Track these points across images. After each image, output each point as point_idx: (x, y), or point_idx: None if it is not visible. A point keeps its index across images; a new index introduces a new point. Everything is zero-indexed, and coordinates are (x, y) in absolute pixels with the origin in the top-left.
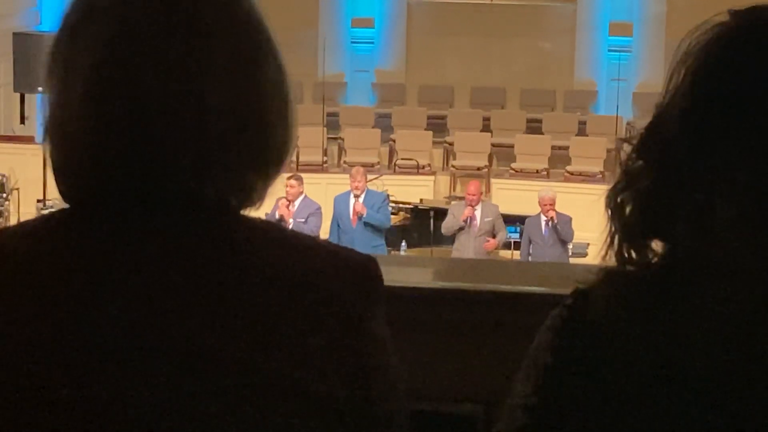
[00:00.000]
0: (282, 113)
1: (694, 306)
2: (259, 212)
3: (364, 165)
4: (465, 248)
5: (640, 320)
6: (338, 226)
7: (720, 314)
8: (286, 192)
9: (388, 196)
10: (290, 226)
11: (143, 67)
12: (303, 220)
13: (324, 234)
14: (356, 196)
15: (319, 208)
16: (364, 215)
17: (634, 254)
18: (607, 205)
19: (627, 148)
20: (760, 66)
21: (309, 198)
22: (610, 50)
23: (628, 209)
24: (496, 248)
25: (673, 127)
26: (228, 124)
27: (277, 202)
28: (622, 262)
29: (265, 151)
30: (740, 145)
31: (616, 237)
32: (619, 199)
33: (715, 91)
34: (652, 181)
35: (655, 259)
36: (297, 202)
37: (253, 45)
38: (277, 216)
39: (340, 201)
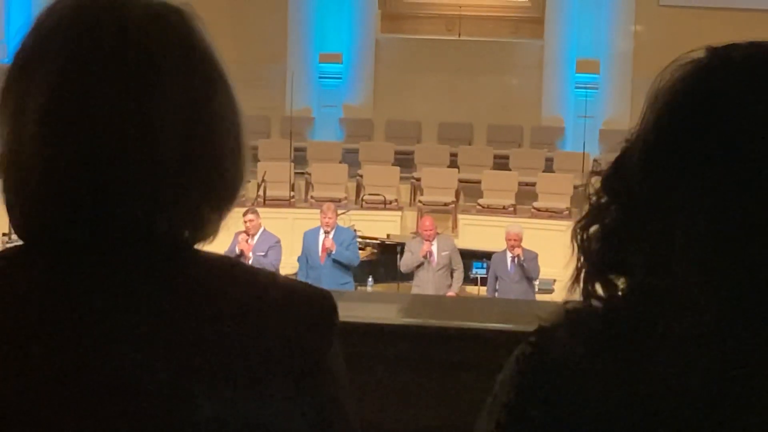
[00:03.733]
0: (234, 148)
1: (653, 343)
2: (217, 247)
3: (331, 200)
4: (425, 284)
5: (601, 358)
6: (307, 261)
7: (678, 351)
8: (246, 227)
9: (356, 233)
10: (250, 260)
11: (95, 104)
12: (263, 253)
13: (286, 269)
14: (326, 232)
15: (279, 241)
16: (334, 252)
17: (599, 290)
18: (573, 239)
19: (595, 181)
20: (727, 105)
21: (268, 231)
22: (577, 87)
23: (593, 245)
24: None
25: (637, 162)
26: (181, 160)
27: (236, 237)
28: (588, 298)
29: (217, 186)
30: (700, 184)
31: (582, 272)
32: (584, 234)
33: (679, 128)
34: (616, 217)
35: (619, 294)
36: (256, 236)
37: (205, 81)
38: (237, 250)
39: (310, 236)
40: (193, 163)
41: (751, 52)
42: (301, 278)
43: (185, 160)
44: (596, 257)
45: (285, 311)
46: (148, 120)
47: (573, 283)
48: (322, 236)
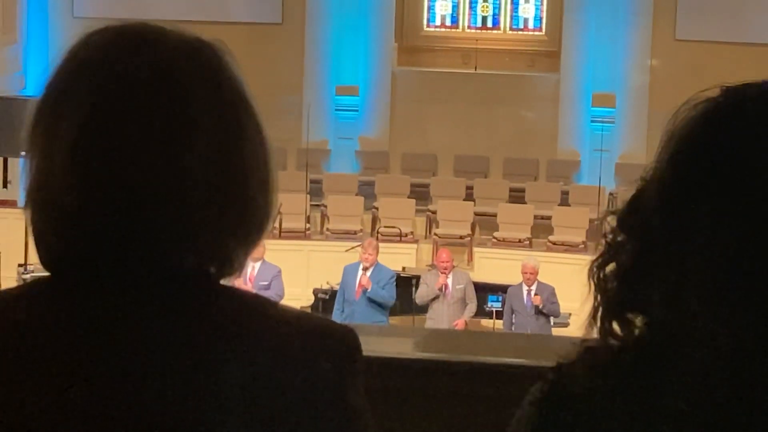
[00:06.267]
0: (263, 183)
1: (672, 381)
2: None
3: (346, 232)
4: (439, 316)
5: (619, 396)
6: (344, 296)
7: (696, 388)
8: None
9: (395, 274)
10: (253, 290)
11: (125, 137)
12: (266, 283)
13: (301, 301)
14: (365, 269)
15: (280, 271)
16: (369, 290)
17: (616, 328)
18: (590, 278)
19: (612, 220)
20: (741, 145)
21: (268, 262)
22: (593, 121)
23: (610, 283)
24: (466, 325)
25: (651, 201)
26: (209, 194)
27: None
28: (605, 336)
29: (246, 221)
30: (716, 222)
31: (599, 311)
32: (601, 273)
33: (694, 168)
34: (632, 255)
35: (637, 333)
36: (257, 266)
37: (235, 116)
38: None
39: (349, 271)
40: (223, 199)
41: (765, 91)
42: (337, 312)
43: (215, 196)
44: (613, 296)
45: (309, 347)
46: (179, 156)
47: (590, 322)
48: (360, 272)
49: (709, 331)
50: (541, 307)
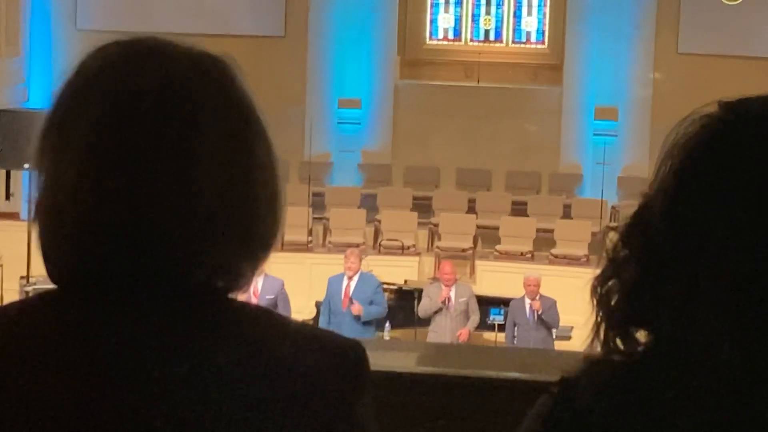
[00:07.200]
0: (271, 198)
1: (677, 397)
2: None
3: (349, 245)
4: (442, 329)
5: (625, 411)
6: (329, 307)
7: (702, 405)
8: None
9: (381, 283)
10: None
11: (134, 152)
12: (273, 297)
13: (303, 314)
14: (349, 278)
15: (283, 284)
16: (362, 316)
17: (620, 344)
18: (593, 294)
19: (613, 236)
20: (745, 159)
21: (270, 275)
22: (595, 134)
23: (613, 299)
24: (469, 337)
25: (657, 217)
26: (218, 209)
27: None
28: (608, 352)
29: (253, 236)
30: (723, 236)
31: (602, 326)
32: (604, 289)
33: (699, 183)
34: (636, 271)
35: (641, 348)
36: (260, 280)
37: (244, 130)
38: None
39: (334, 282)
40: (231, 214)
41: (765, 104)
42: (323, 323)
43: (223, 211)
44: (616, 311)
45: (317, 361)
46: (187, 171)
47: (593, 339)
48: (345, 282)
49: (720, 347)
50: (540, 312)
